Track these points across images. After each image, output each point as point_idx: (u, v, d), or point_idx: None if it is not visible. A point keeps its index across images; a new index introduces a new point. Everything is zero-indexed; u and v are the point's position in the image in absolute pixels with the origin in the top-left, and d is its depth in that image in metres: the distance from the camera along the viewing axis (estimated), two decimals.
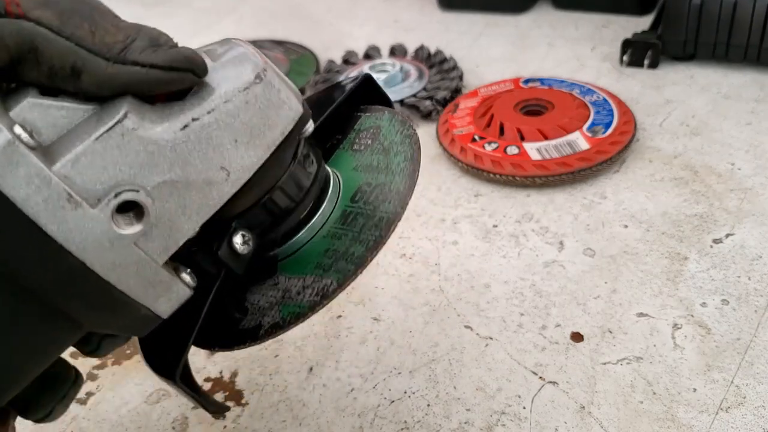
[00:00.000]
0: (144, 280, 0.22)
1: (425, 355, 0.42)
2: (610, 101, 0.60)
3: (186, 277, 0.24)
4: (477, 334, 0.43)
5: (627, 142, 0.55)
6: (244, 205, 0.25)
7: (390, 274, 0.49)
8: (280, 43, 0.81)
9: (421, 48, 0.73)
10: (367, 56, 0.74)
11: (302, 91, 0.71)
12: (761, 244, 0.47)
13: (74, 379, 0.28)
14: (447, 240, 0.51)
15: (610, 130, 0.56)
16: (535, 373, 0.40)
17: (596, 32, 0.76)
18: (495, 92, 0.64)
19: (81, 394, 0.43)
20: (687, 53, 0.66)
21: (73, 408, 0.42)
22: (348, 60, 0.74)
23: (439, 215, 0.53)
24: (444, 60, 0.71)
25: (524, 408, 0.38)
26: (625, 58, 0.68)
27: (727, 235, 0.48)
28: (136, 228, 0.22)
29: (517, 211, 0.53)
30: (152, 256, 0.22)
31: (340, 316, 0.46)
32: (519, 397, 0.39)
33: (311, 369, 0.42)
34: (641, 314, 0.43)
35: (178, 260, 0.24)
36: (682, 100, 0.63)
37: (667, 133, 0.59)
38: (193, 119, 0.22)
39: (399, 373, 0.41)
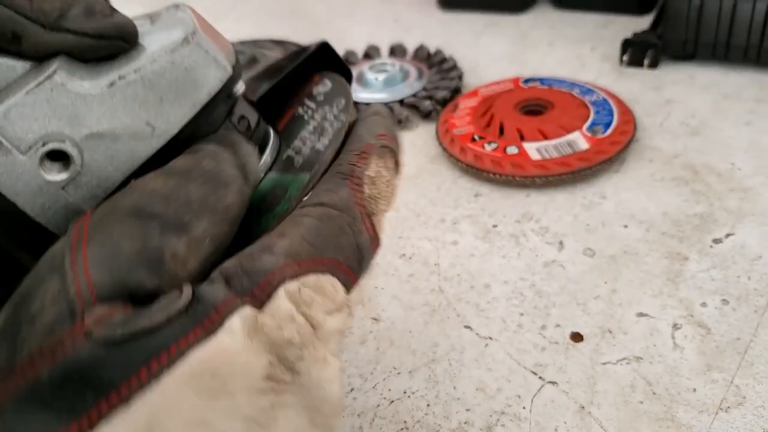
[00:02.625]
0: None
1: (425, 355, 0.42)
2: (610, 101, 0.60)
3: None
4: (477, 334, 0.43)
5: (627, 142, 0.55)
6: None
7: (389, 274, 0.49)
8: (279, 43, 0.80)
9: (421, 47, 0.73)
10: (367, 56, 0.74)
11: None
12: (761, 243, 0.47)
13: None
14: (447, 240, 0.51)
15: (610, 130, 0.56)
16: (534, 373, 0.40)
17: (596, 32, 0.76)
18: (495, 92, 0.64)
19: None
20: (687, 53, 0.66)
21: None
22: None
23: (438, 215, 0.53)
24: (444, 59, 0.71)
25: (524, 408, 0.38)
26: (625, 57, 0.68)
27: (728, 235, 0.48)
28: (63, 175, 0.24)
29: (516, 211, 0.53)
30: (79, 202, 0.24)
31: None
32: (519, 397, 0.39)
33: None
34: (641, 314, 0.43)
35: None
36: (682, 100, 0.63)
37: (667, 133, 0.59)
38: (120, 77, 0.24)
39: (398, 373, 0.41)
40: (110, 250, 0.21)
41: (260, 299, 0.21)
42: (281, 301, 0.21)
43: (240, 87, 0.28)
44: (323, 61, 0.34)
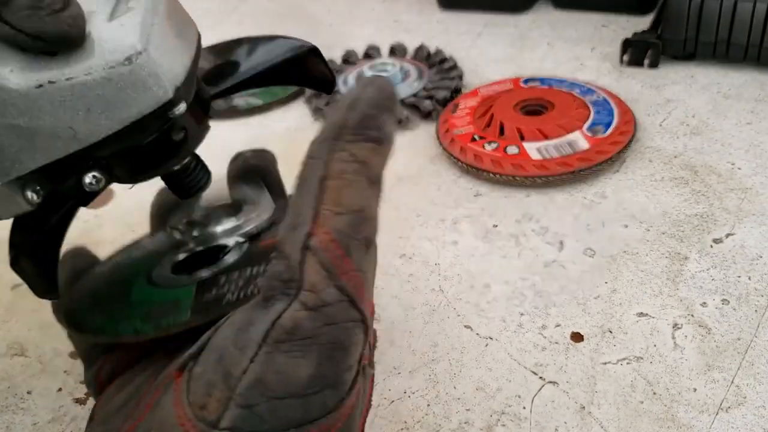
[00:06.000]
0: None
1: (425, 355, 0.42)
2: (610, 101, 0.60)
3: (29, 194, 0.26)
4: (477, 334, 0.43)
5: (627, 142, 0.55)
6: (102, 153, 0.27)
7: (390, 274, 0.49)
8: None
9: (421, 48, 0.73)
10: (367, 56, 0.74)
11: (302, 90, 0.71)
12: (761, 243, 0.47)
13: None
14: (447, 240, 0.51)
15: (610, 130, 0.56)
16: (535, 373, 0.40)
17: (596, 32, 0.76)
18: (495, 92, 0.64)
19: (80, 394, 0.43)
20: (687, 52, 0.66)
21: (73, 408, 0.42)
22: (348, 60, 0.74)
23: (438, 215, 0.53)
24: (444, 59, 0.71)
25: (524, 408, 0.38)
26: (625, 57, 0.68)
27: (728, 235, 0.48)
28: None
29: (517, 211, 0.53)
30: None
31: None
32: (519, 397, 0.39)
33: None
34: (641, 314, 0.43)
35: (36, 180, 0.26)
36: (682, 100, 0.63)
37: (668, 133, 0.59)
38: (50, 81, 0.24)
39: (399, 373, 0.41)
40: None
41: None
42: None
43: (180, 109, 0.27)
44: (304, 67, 0.34)
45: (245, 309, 0.24)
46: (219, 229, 0.34)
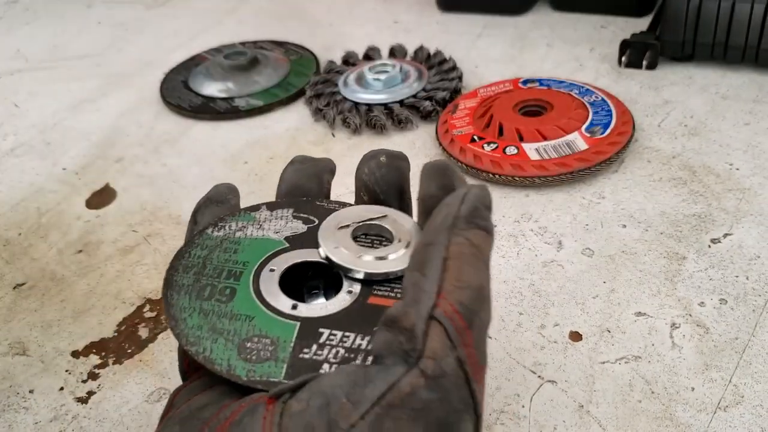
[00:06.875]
0: None
1: None
2: (609, 102, 0.60)
3: None
4: None
5: (625, 143, 0.56)
6: None
7: None
8: (280, 44, 0.81)
9: (421, 49, 0.73)
10: (367, 57, 0.74)
11: (302, 91, 0.71)
12: (759, 243, 0.47)
13: None
14: None
15: (608, 131, 0.56)
16: (534, 372, 0.40)
17: (595, 33, 0.76)
18: (494, 93, 0.64)
19: (82, 393, 0.43)
20: (685, 54, 0.66)
21: (74, 407, 0.42)
22: (348, 60, 0.74)
23: None
24: (443, 61, 0.71)
25: (523, 407, 0.39)
26: (623, 58, 0.68)
27: (725, 235, 0.48)
28: None
29: (516, 211, 0.53)
30: None
31: None
32: (518, 395, 0.39)
33: None
34: (639, 314, 0.43)
35: None
36: (680, 101, 0.63)
37: (666, 134, 0.59)
38: None
39: None
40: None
41: None
42: None
43: None
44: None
45: (358, 365, 0.24)
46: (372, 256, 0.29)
